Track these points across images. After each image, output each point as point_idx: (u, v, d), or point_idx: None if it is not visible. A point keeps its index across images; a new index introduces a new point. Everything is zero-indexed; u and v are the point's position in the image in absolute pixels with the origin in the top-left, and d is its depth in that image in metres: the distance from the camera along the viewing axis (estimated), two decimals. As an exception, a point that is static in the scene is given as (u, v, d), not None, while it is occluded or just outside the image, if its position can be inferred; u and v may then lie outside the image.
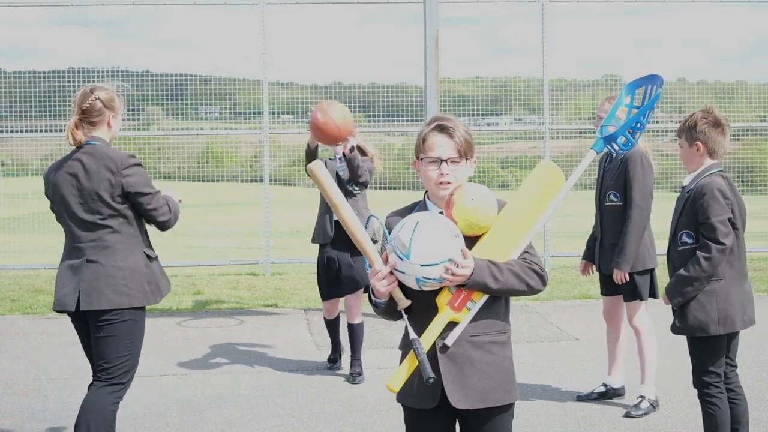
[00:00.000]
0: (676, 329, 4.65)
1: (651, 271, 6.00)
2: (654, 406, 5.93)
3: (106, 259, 4.47)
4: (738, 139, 13.61)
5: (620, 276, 5.86)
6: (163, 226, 4.67)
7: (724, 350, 4.63)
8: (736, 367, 4.75)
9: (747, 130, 13.13)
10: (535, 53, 11.91)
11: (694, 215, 4.56)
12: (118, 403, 4.57)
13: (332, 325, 7.15)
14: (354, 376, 6.85)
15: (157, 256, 4.68)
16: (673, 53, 17.23)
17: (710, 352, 4.60)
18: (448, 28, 13.03)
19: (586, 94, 13.37)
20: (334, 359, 7.19)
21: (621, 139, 3.50)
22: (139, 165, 4.55)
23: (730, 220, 4.51)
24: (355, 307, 6.95)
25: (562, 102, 13.19)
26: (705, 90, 13.53)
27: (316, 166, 3.19)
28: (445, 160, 3.20)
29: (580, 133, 13.57)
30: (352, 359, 6.97)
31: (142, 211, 4.56)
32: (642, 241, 5.90)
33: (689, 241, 4.57)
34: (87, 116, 4.56)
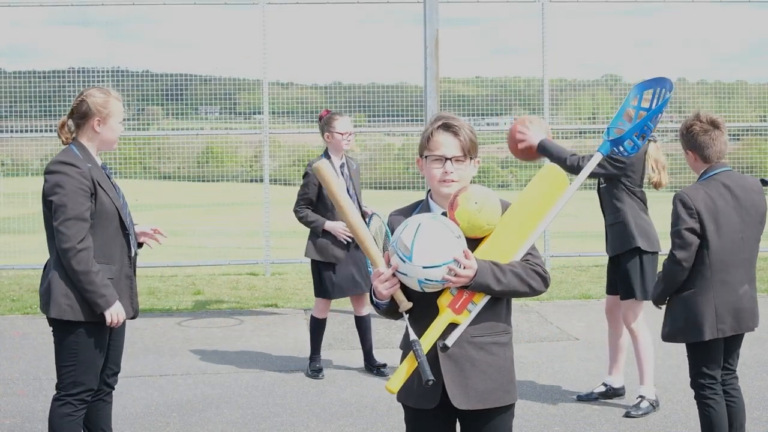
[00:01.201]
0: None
1: (643, 269, 5.95)
2: (654, 406, 5.93)
3: (49, 267, 4.43)
4: (738, 139, 13.60)
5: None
6: (61, 252, 4.27)
7: (717, 354, 4.64)
8: (733, 371, 4.75)
9: (747, 130, 13.13)
10: (535, 53, 11.92)
11: None
12: (72, 416, 4.39)
13: (323, 328, 7.03)
14: (381, 368, 6.88)
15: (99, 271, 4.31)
16: (673, 53, 17.22)
17: (702, 356, 4.63)
18: (448, 28, 13.03)
19: (586, 94, 13.37)
20: (321, 368, 6.98)
21: (627, 142, 3.49)
22: (58, 172, 4.30)
23: (691, 230, 4.51)
24: (366, 299, 6.98)
25: (562, 102, 13.19)
26: (705, 90, 13.53)
27: (324, 165, 3.19)
28: (450, 159, 3.20)
29: (580, 133, 13.57)
30: (370, 353, 6.99)
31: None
32: (629, 222, 5.92)
33: None
34: (73, 116, 4.48)
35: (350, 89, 12.86)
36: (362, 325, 7.02)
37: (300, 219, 6.85)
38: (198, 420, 5.93)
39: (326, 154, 6.88)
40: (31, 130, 11.88)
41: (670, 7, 16.57)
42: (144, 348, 7.87)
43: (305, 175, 6.88)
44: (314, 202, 6.81)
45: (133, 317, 4.61)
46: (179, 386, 6.72)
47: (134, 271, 4.61)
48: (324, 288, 6.88)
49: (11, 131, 11.95)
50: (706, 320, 4.54)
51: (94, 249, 4.32)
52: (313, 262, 6.91)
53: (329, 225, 6.71)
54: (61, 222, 4.26)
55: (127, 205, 4.60)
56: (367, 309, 6.99)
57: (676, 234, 4.53)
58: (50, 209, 4.34)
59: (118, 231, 4.45)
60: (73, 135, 4.50)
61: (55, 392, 4.47)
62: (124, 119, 4.58)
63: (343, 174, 6.84)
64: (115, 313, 4.35)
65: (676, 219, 4.54)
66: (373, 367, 6.96)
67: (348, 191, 6.78)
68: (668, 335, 4.68)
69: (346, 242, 6.76)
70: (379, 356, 7.30)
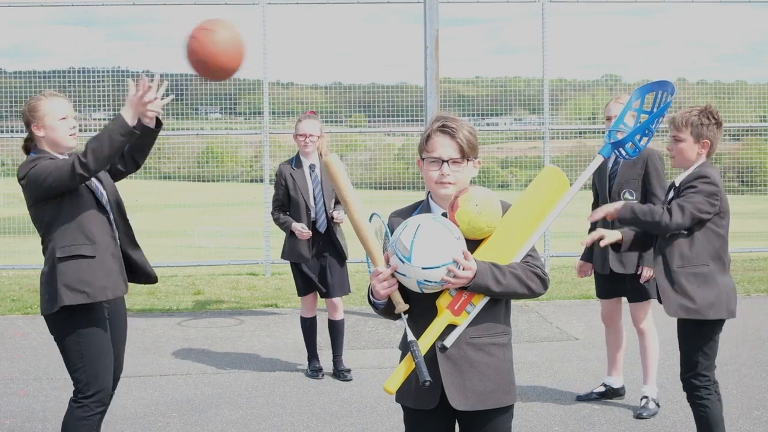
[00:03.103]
0: (679, 308, 4.56)
1: None
2: (657, 405, 5.93)
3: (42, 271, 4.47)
4: (738, 139, 13.60)
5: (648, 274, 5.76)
6: (83, 169, 4.15)
7: (717, 344, 4.63)
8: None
9: (747, 130, 13.13)
10: (535, 53, 11.92)
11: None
12: (88, 420, 4.35)
13: (312, 326, 7.02)
14: (345, 373, 6.86)
15: (58, 258, 4.28)
16: (673, 53, 17.23)
17: (706, 346, 4.58)
18: (448, 28, 13.04)
19: (586, 94, 13.37)
20: (320, 368, 6.98)
21: (629, 145, 3.49)
22: (27, 178, 4.26)
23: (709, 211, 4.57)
24: (341, 304, 7.00)
25: (562, 102, 13.20)
26: (705, 90, 13.53)
27: (333, 159, 3.19)
28: (446, 161, 3.20)
29: (580, 133, 13.57)
30: (338, 357, 6.96)
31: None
32: None
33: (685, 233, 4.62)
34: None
35: (350, 89, 12.87)
36: (333, 329, 7.01)
37: (275, 222, 6.96)
38: (198, 420, 5.93)
39: (297, 156, 6.95)
40: (31, 130, 11.87)
41: (670, 7, 16.59)
42: (144, 348, 7.88)
43: (276, 176, 6.99)
44: (285, 203, 6.87)
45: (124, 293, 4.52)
46: (179, 386, 6.72)
47: (125, 247, 4.52)
48: (297, 286, 6.96)
49: (11, 131, 11.95)
50: (731, 299, 4.55)
51: (73, 230, 4.30)
52: (290, 263, 6.99)
53: (293, 226, 6.75)
54: (56, 176, 4.19)
55: (104, 195, 4.48)
56: (340, 314, 6.99)
57: (695, 208, 4.49)
58: (37, 211, 4.35)
59: (97, 213, 4.38)
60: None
61: (72, 395, 4.42)
62: (68, 116, 4.40)
63: (312, 176, 6.86)
64: (144, 100, 4.16)
65: (698, 195, 4.51)
66: (338, 372, 6.91)
67: (314, 193, 6.80)
68: (693, 310, 4.52)
69: (310, 244, 6.77)
70: (378, 356, 7.30)
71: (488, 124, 13.25)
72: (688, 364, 4.62)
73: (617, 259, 5.94)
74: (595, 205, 6.22)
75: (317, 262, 6.84)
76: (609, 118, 5.96)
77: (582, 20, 18.13)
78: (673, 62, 16.58)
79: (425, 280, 3.03)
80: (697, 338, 4.61)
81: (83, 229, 4.34)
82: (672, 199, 4.65)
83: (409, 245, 3.01)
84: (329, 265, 6.83)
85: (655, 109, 3.56)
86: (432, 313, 3.12)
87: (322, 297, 6.94)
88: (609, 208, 4.72)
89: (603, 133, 11.50)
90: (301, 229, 6.71)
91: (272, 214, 6.97)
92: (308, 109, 7.86)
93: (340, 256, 6.87)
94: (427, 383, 2.97)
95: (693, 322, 4.60)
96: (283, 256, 6.99)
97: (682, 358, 4.67)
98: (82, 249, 4.31)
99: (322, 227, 6.82)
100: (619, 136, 3.51)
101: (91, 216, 4.37)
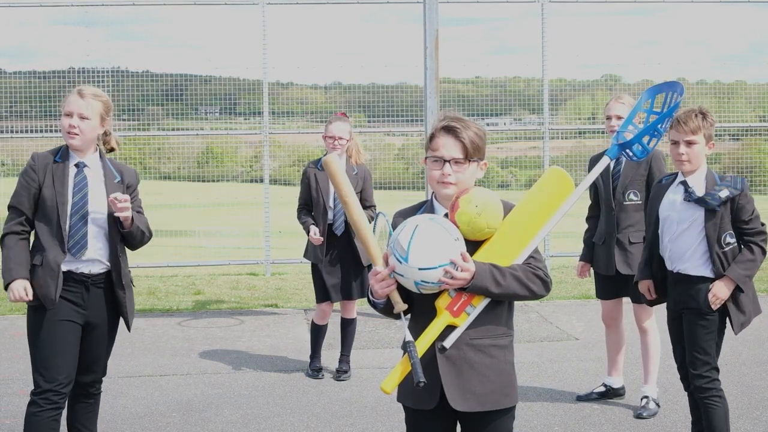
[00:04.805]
0: (740, 325, 4.70)
1: None
2: (658, 405, 5.93)
3: None
4: (738, 139, 13.61)
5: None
6: None
7: None
8: None
9: (747, 130, 13.13)
10: (534, 53, 11.93)
11: (733, 215, 4.67)
12: (37, 416, 4.37)
13: (323, 333, 7.03)
14: (341, 374, 6.87)
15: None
16: (673, 53, 17.23)
17: (722, 343, 4.73)
18: (448, 28, 13.05)
19: (585, 94, 13.37)
20: (321, 368, 7.00)
21: (636, 146, 3.48)
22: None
23: None
24: (354, 303, 6.98)
25: (562, 102, 13.20)
26: (705, 90, 13.53)
27: (331, 159, 3.20)
28: (448, 161, 3.19)
29: (580, 133, 13.58)
30: (344, 356, 6.98)
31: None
32: None
33: (732, 240, 4.67)
34: None
35: (350, 89, 12.88)
36: (344, 328, 7.02)
37: (298, 221, 6.96)
38: (198, 420, 5.93)
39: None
40: (31, 130, 11.87)
41: (670, 7, 16.59)
42: (144, 348, 7.88)
43: (301, 176, 6.99)
44: (309, 203, 6.87)
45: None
46: (179, 386, 6.72)
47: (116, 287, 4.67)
48: (315, 291, 6.93)
49: (11, 131, 11.94)
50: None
51: (34, 236, 4.45)
52: (311, 266, 6.97)
53: (310, 231, 6.76)
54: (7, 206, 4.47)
55: (87, 202, 4.46)
56: (353, 313, 6.98)
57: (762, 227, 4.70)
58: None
59: (57, 226, 4.41)
60: None
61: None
62: (72, 113, 4.45)
63: None
64: (14, 289, 4.36)
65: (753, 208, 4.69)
66: (338, 371, 6.92)
67: (334, 195, 6.76)
68: (746, 321, 4.72)
69: (324, 246, 6.77)
70: (378, 356, 7.28)
71: (488, 124, 13.25)
72: (707, 363, 4.67)
73: (623, 260, 5.92)
74: (594, 206, 6.21)
75: (336, 265, 6.82)
76: (609, 118, 5.94)
77: (582, 20, 18.16)
78: (673, 62, 16.57)
79: (422, 281, 3.03)
80: (719, 339, 4.73)
81: (40, 238, 4.44)
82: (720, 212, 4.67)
83: (406, 246, 3.01)
84: (349, 267, 6.81)
85: (664, 110, 3.55)
86: (432, 313, 3.12)
87: (344, 299, 6.90)
88: (724, 293, 4.67)
89: (603, 133, 11.50)
90: (313, 235, 6.70)
91: (297, 213, 6.96)
92: (308, 109, 7.87)
93: (358, 260, 6.85)
94: (421, 384, 2.97)
95: (721, 318, 4.71)
96: (304, 255, 7.01)
97: (694, 354, 4.69)
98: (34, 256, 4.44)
99: (339, 230, 6.80)
100: (627, 137, 3.50)
101: (52, 229, 4.43)
